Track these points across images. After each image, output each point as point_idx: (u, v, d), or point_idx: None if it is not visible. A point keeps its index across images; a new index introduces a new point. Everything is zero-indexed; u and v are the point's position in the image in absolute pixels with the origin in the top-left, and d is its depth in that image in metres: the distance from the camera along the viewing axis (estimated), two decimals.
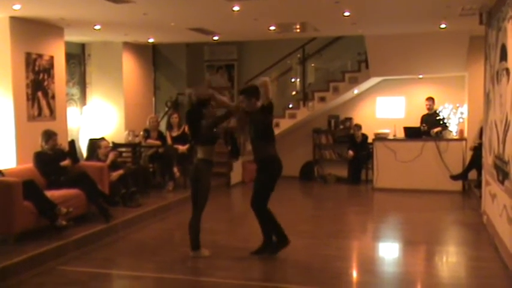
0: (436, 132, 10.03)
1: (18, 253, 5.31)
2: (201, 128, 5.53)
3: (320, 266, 5.44)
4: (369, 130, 10.86)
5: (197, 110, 5.63)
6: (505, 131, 5.41)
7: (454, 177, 9.53)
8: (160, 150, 9.36)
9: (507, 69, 5.39)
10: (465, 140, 10.02)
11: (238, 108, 5.72)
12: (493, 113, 6.53)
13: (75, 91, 10.50)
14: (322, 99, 11.11)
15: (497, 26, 6.23)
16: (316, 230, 7.35)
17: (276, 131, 11.33)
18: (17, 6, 6.84)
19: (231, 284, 5.05)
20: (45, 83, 8.08)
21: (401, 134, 10.36)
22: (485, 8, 7.10)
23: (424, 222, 7.75)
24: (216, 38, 10.12)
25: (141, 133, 9.73)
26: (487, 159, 7.05)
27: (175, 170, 9.24)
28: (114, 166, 7.88)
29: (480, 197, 7.81)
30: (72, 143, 9.00)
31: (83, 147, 10.17)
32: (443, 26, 8.71)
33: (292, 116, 11.30)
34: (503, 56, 5.68)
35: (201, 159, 5.59)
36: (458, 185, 9.71)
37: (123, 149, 9.26)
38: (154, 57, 11.97)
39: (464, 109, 10.19)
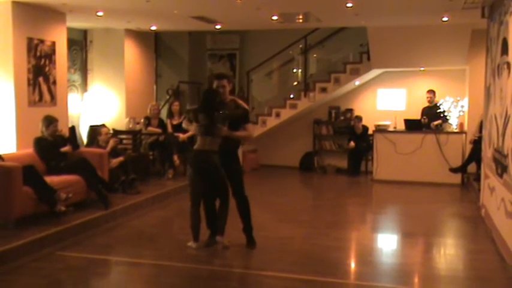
0: (436, 125, 10.04)
1: (17, 238, 5.34)
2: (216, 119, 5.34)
3: (319, 256, 5.47)
4: (370, 122, 10.86)
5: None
6: (505, 125, 5.41)
7: (454, 170, 9.55)
8: (161, 138, 9.38)
9: (508, 63, 5.38)
10: (465, 133, 10.02)
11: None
12: (493, 106, 6.53)
13: (77, 77, 10.48)
14: (323, 90, 11.10)
15: (499, 19, 6.21)
16: (316, 220, 7.38)
17: (277, 121, 11.51)
18: None
19: (229, 272, 5.10)
20: (47, 69, 8.07)
21: (401, 126, 10.36)
22: (487, 2, 7.08)
23: (423, 214, 7.78)
24: (218, 26, 10.09)
25: (142, 120, 9.74)
26: (487, 153, 7.06)
27: (175, 158, 9.26)
28: (114, 153, 7.90)
29: (479, 190, 7.82)
30: (72, 129, 8.98)
31: (83, 134, 10.16)
32: (445, 19, 8.68)
33: (293, 107, 11.31)
34: (505, 50, 5.67)
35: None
36: (457, 178, 9.73)
37: (124, 136, 9.28)
38: (156, 45, 11.92)
39: (465, 102, 10.18)
